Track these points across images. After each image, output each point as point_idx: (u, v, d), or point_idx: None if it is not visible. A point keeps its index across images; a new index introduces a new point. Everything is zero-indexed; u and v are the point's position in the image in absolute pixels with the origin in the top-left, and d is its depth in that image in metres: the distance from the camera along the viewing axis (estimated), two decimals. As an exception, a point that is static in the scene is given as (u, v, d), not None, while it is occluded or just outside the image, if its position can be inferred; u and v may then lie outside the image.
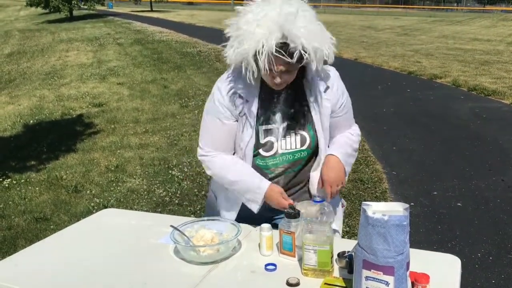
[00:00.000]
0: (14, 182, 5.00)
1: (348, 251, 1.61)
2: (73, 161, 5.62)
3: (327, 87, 1.80)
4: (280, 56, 1.58)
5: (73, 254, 1.77)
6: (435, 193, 4.59)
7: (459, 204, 4.34)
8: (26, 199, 4.58)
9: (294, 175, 1.87)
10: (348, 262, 1.55)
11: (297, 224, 1.63)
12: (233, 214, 1.92)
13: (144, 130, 6.79)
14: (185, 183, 4.83)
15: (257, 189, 1.80)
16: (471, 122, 7.08)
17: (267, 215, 1.88)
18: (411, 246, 1.36)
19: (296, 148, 1.82)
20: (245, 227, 1.84)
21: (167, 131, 6.61)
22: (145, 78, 10.82)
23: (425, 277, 1.41)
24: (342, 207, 2.04)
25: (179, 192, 4.62)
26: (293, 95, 1.79)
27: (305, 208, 1.69)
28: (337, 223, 1.98)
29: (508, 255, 3.45)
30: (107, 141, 6.37)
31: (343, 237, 1.91)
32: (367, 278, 1.34)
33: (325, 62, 1.70)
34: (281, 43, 1.57)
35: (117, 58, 13.86)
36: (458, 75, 10.72)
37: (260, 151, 1.83)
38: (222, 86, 1.80)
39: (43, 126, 7.34)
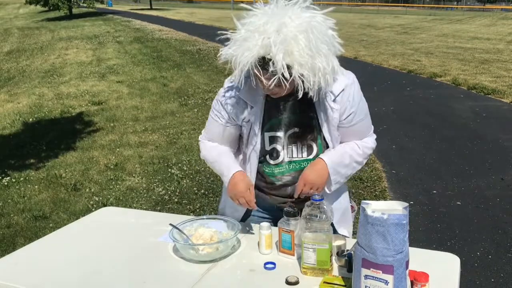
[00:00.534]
0: (13, 180, 4.99)
1: (348, 250, 1.61)
2: (72, 159, 5.62)
3: (336, 96, 1.69)
4: (257, 73, 1.53)
5: (72, 253, 1.77)
6: (435, 192, 4.59)
7: (458, 203, 4.34)
8: (25, 197, 4.58)
9: (293, 189, 1.81)
10: (347, 261, 1.55)
11: (296, 223, 1.63)
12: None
13: (143, 128, 6.79)
14: (185, 181, 4.83)
15: (226, 170, 1.79)
16: (471, 121, 7.08)
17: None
18: (410, 245, 1.36)
19: (302, 157, 1.77)
20: (244, 225, 1.84)
21: (167, 129, 6.60)
22: (144, 76, 10.82)
23: (425, 276, 1.41)
24: (352, 211, 1.97)
25: (178, 190, 4.62)
26: (300, 102, 1.68)
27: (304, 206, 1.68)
28: (346, 227, 1.92)
29: (507, 254, 3.45)
30: (107, 139, 6.37)
31: (342, 235, 1.92)
32: (366, 276, 1.34)
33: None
34: (263, 58, 1.49)
35: (116, 56, 13.85)
36: (458, 74, 10.72)
37: (267, 158, 1.79)
38: (228, 89, 1.78)
39: (42, 124, 7.34)
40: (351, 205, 1.98)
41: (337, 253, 1.60)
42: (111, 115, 7.63)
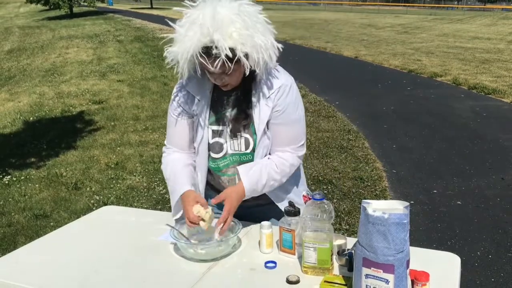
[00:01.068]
0: (14, 179, 5.00)
1: (348, 249, 1.61)
2: (73, 158, 5.62)
3: (271, 94, 1.75)
4: (203, 61, 1.60)
5: (73, 251, 1.77)
6: (435, 191, 4.60)
7: (459, 202, 4.34)
8: (26, 196, 4.58)
9: (237, 179, 1.84)
10: (348, 260, 1.55)
11: (297, 222, 1.63)
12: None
13: (144, 127, 6.79)
14: (185, 180, 4.83)
15: (174, 192, 1.84)
16: (471, 120, 7.08)
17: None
18: (411, 244, 1.36)
19: (241, 150, 1.82)
20: (245, 224, 1.84)
21: (167, 128, 6.60)
22: (145, 75, 10.82)
23: (425, 275, 1.41)
24: (305, 202, 1.96)
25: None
26: (242, 97, 1.78)
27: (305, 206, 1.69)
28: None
29: (507, 254, 3.45)
30: (107, 138, 6.37)
31: (343, 234, 1.91)
32: (367, 276, 1.34)
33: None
34: (206, 47, 1.57)
35: (117, 55, 13.85)
36: (458, 74, 10.71)
37: (210, 153, 1.85)
38: (178, 88, 1.87)
39: (43, 123, 7.34)
40: (303, 195, 1.97)
41: (338, 252, 1.60)
42: (111, 114, 7.64)
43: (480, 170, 5.12)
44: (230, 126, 1.80)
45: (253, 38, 1.58)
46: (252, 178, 1.77)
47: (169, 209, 4.34)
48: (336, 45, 16.42)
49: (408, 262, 1.34)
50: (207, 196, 1.94)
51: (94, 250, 1.77)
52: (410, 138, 6.29)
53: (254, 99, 1.77)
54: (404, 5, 54.00)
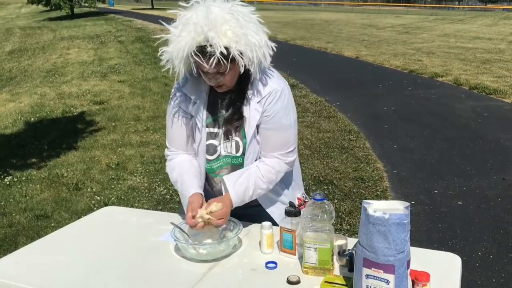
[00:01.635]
0: (15, 179, 5.00)
1: (349, 250, 1.61)
2: (74, 159, 5.63)
3: (262, 98, 1.75)
4: (198, 59, 1.60)
5: (74, 252, 1.77)
6: (436, 191, 4.59)
7: (460, 202, 4.34)
8: (27, 197, 4.58)
9: None
10: (349, 260, 1.55)
11: (298, 222, 1.63)
12: None
13: (145, 128, 6.80)
14: (186, 181, 4.83)
15: (182, 196, 1.84)
16: (472, 121, 7.07)
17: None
18: (411, 245, 1.36)
19: (232, 153, 1.83)
20: (245, 224, 1.84)
21: (168, 129, 6.60)
22: (146, 76, 10.83)
23: (426, 276, 1.41)
24: (300, 204, 1.96)
25: (180, 190, 4.62)
26: (235, 100, 1.78)
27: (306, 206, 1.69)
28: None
29: (508, 254, 3.45)
30: (108, 139, 6.38)
31: (344, 234, 1.91)
32: (367, 276, 1.34)
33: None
34: (201, 46, 1.58)
35: (118, 56, 13.86)
36: (459, 74, 10.71)
37: (206, 155, 1.86)
38: (175, 90, 1.87)
39: (44, 123, 7.35)
40: (298, 197, 1.97)
41: (339, 253, 1.60)
42: (112, 114, 7.64)
43: (481, 170, 5.12)
44: (224, 128, 1.81)
45: (247, 36, 1.59)
46: (239, 190, 1.77)
47: (170, 210, 4.36)
48: (337, 46, 16.42)
49: (408, 262, 1.34)
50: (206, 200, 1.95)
51: (95, 250, 1.77)
52: (411, 139, 6.28)
53: (246, 102, 1.77)
54: (405, 5, 53.99)
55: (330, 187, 4.62)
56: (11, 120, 7.59)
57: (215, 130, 1.83)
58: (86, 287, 1.53)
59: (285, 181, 1.92)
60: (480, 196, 4.46)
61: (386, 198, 4.35)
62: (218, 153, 1.84)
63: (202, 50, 1.59)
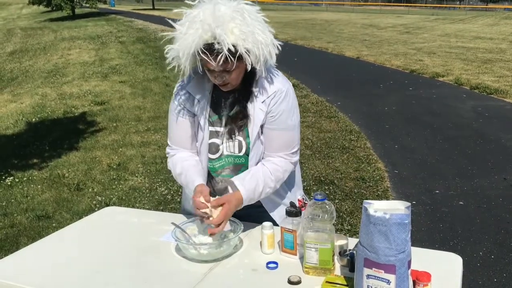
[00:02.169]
0: (17, 180, 5.01)
1: (350, 250, 1.61)
2: (75, 159, 5.63)
3: (266, 98, 1.76)
4: (205, 57, 1.60)
5: (75, 252, 1.77)
6: (437, 191, 4.59)
7: (461, 202, 4.33)
8: (29, 197, 4.59)
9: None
10: (350, 260, 1.55)
11: (299, 222, 1.63)
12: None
13: (146, 128, 6.80)
14: (187, 181, 4.83)
15: (191, 183, 1.81)
16: (473, 120, 7.07)
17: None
18: (412, 245, 1.36)
19: (235, 153, 1.83)
20: (246, 225, 1.84)
21: (169, 129, 6.60)
22: (147, 76, 10.83)
23: (427, 276, 1.41)
24: (300, 206, 1.96)
25: (180, 190, 4.61)
26: (239, 99, 1.78)
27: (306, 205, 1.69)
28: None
29: (510, 254, 3.45)
30: (109, 139, 6.38)
31: (345, 234, 1.91)
32: (368, 276, 1.34)
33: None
34: (208, 44, 1.58)
35: (119, 56, 13.87)
36: (460, 74, 10.70)
37: (208, 154, 1.85)
38: (179, 88, 1.87)
39: (45, 124, 7.36)
40: (298, 199, 1.97)
41: (339, 253, 1.60)
42: (113, 115, 7.65)
43: (482, 170, 5.11)
44: (227, 127, 1.81)
45: (253, 34, 1.60)
46: (249, 187, 1.77)
47: (171, 210, 4.36)
48: (337, 46, 16.41)
49: (409, 262, 1.34)
50: None
51: (96, 250, 1.77)
52: (412, 138, 6.28)
53: (250, 101, 1.77)
54: (406, 5, 53.96)
55: (331, 187, 4.62)
56: (13, 120, 7.59)
57: (218, 129, 1.83)
58: (87, 287, 1.54)
59: (287, 182, 1.92)
60: (481, 196, 4.46)
61: (387, 198, 4.35)
62: (220, 152, 1.84)
63: (209, 48, 1.59)
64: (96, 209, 4.08)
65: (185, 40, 1.61)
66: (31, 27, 24.51)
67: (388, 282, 1.31)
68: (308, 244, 1.53)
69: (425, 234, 3.73)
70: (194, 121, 1.86)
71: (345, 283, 1.48)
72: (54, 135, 6.67)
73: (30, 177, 5.08)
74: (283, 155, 1.82)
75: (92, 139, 6.42)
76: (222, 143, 1.83)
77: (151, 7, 44.04)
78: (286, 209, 1.66)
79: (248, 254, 1.71)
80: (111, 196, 4.51)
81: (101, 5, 33.16)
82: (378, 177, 4.87)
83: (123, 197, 4.50)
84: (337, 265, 1.59)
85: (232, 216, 1.77)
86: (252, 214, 1.87)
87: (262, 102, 1.76)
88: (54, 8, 29.89)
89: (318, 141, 6.04)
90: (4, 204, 4.45)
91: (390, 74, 11.21)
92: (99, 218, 2.12)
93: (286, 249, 1.67)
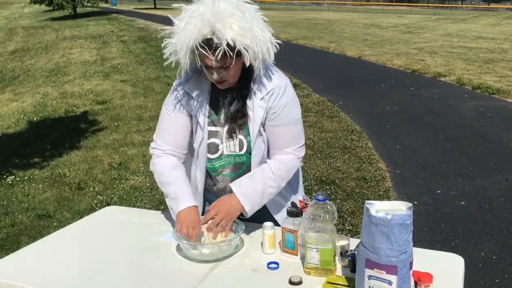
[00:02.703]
0: (18, 179, 5.01)
1: (351, 250, 1.61)
2: (77, 158, 5.63)
3: (265, 95, 1.75)
4: (203, 51, 1.59)
5: (76, 251, 1.77)
6: (439, 192, 4.58)
7: (462, 203, 4.33)
8: (30, 196, 4.59)
9: (230, 180, 1.84)
10: (351, 261, 1.55)
11: (300, 223, 1.63)
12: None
13: (147, 127, 6.80)
14: (188, 180, 4.83)
15: (183, 197, 1.78)
16: (475, 120, 7.06)
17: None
18: (414, 245, 1.36)
19: (236, 152, 1.82)
20: (247, 225, 1.84)
21: (170, 128, 6.60)
22: (148, 75, 10.83)
23: (428, 276, 1.41)
24: (302, 206, 1.94)
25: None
26: (238, 97, 1.78)
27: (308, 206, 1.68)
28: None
29: None
30: (110, 138, 6.38)
31: (346, 234, 1.91)
32: (370, 277, 1.34)
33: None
34: (207, 39, 1.58)
35: (120, 56, 13.88)
36: (462, 74, 10.68)
37: (207, 154, 1.84)
38: (176, 85, 1.86)
39: (46, 123, 7.36)
40: (299, 200, 1.97)
41: (341, 253, 1.60)
42: (115, 114, 7.65)
43: (484, 170, 5.10)
44: (226, 126, 1.80)
45: (252, 31, 1.60)
46: (245, 187, 1.77)
47: (172, 209, 4.32)
48: (339, 45, 16.40)
49: (411, 263, 1.33)
50: (205, 199, 1.94)
51: (97, 250, 1.77)
52: (414, 138, 6.27)
53: (249, 100, 1.77)
54: (407, 5, 53.88)
55: (332, 187, 4.61)
56: (14, 119, 7.60)
57: (216, 128, 1.82)
58: (87, 287, 1.53)
59: (289, 183, 1.91)
60: (483, 196, 4.45)
61: (388, 198, 4.34)
62: (220, 152, 1.83)
63: (208, 43, 1.59)
64: (97, 208, 4.08)
65: (184, 34, 1.61)
66: (33, 26, 24.54)
67: (390, 283, 1.31)
68: (309, 244, 1.53)
69: (427, 235, 3.72)
70: (187, 121, 1.85)
71: (346, 283, 1.48)
72: (55, 134, 6.67)
73: (31, 176, 5.08)
74: (290, 151, 1.82)
75: (93, 138, 6.43)
76: (222, 142, 1.82)
77: (153, 6, 44.04)
78: (287, 209, 1.66)
79: (249, 254, 1.71)
80: (112, 196, 4.51)
81: (103, 4, 33.27)
82: (379, 177, 4.86)
83: (124, 197, 4.50)
84: (338, 265, 1.59)
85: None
86: (253, 214, 1.87)
87: (261, 99, 1.76)
88: (55, 7, 29.94)
89: (319, 141, 6.04)
90: (5, 203, 4.45)
91: (392, 74, 11.20)
92: (100, 218, 2.11)
93: (287, 250, 1.67)
